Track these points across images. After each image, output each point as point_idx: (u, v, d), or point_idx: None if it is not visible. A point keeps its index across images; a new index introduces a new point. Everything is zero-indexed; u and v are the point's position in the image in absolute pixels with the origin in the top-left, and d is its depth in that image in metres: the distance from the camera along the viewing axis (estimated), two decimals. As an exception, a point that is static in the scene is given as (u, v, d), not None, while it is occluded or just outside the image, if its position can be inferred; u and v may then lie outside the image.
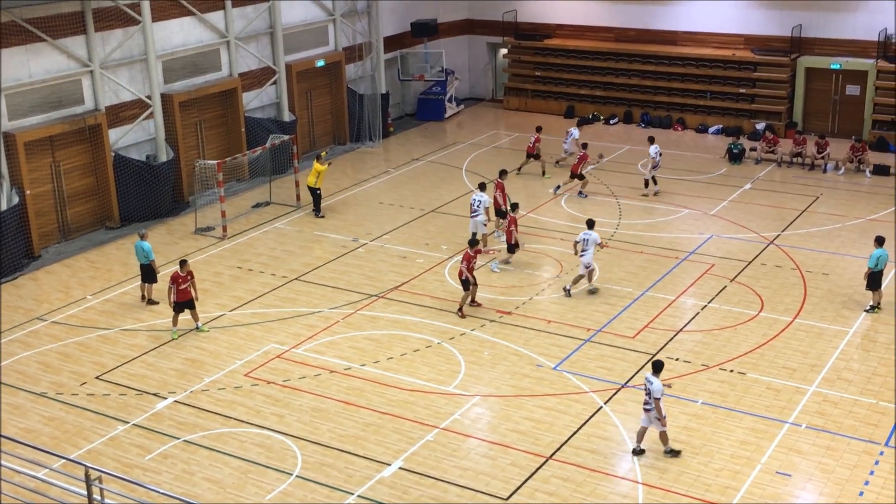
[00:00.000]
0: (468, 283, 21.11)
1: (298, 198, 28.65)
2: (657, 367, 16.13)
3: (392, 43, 37.38)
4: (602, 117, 38.01)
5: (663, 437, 15.99)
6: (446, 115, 38.74)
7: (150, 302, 22.27)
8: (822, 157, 31.36)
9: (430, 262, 24.24)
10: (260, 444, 16.63)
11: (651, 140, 29.20)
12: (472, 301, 21.55)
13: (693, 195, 28.95)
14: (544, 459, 16.03)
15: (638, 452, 16.06)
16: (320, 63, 33.79)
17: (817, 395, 17.83)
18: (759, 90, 35.74)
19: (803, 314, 20.97)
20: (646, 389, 15.94)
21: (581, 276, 22.17)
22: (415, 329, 20.75)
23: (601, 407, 17.59)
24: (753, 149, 32.72)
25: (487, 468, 15.87)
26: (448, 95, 38.93)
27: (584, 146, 29.38)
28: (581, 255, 22.14)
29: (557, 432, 16.81)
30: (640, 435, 16.16)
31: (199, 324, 20.88)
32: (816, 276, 22.99)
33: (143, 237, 22.37)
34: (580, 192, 28.76)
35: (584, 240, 22.11)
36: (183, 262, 20.76)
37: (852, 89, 34.60)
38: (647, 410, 15.94)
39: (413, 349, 19.88)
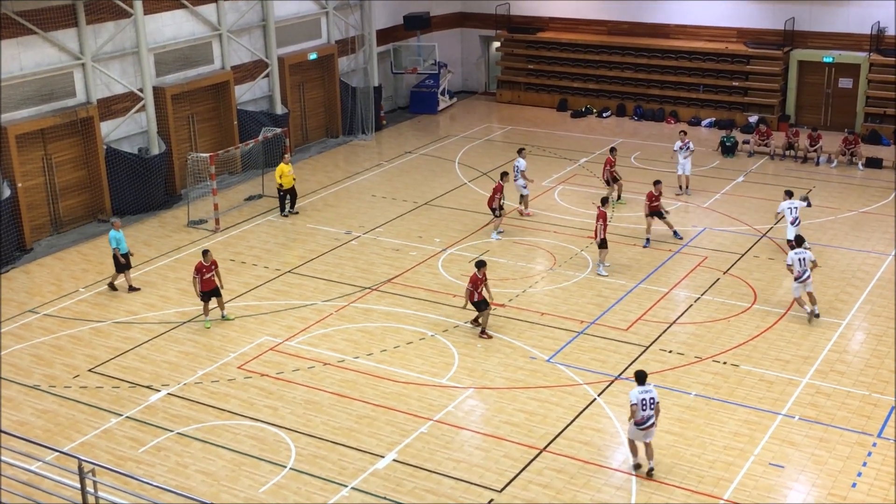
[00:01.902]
0: (484, 304, 19.99)
1: (291, 191, 28.59)
2: (641, 378, 15.36)
3: (385, 36, 37.32)
4: (595, 110, 38.01)
5: (651, 451, 15.36)
6: (439, 108, 38.68)
7: (132, 289, 22.58)
8: (815, 150, 31.42)
9: (424, 254, 24.22)
10: (253, 437, 16.61)
11: (789, 194, 24.36)
12: (476, 321, 20.37)
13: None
14: (538, 451, 16.05)
15: (637, 466, 15.49)
16: (313, 56, 33.71)
17: (810, 386, 17.87)
18: (751, 83, 35.77)
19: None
20: (647, 402, 15.11)
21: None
22: (408, 321, 20.73)
23: (595, 399, 17.61)
24: (746, 142, 32.75)
25: (481, 460, 15.88)
26: (441, 88, 38.88)
27: (503, 176, 26.01)
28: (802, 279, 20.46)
29: (551, 424, 16.82)
30: (636, 450, 15.52)
31: (225, 312, 20.89)
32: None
33: (114, 226, 22.37)
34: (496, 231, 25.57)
35: (800, 259, 20.37)
36: (206, 252, 20.75)
37: (845, 82, 34.64)
38: (649, 426, 15.17)
39: (406, 341, 19.87)
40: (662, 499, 14.79)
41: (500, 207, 24.92)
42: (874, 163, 30.73)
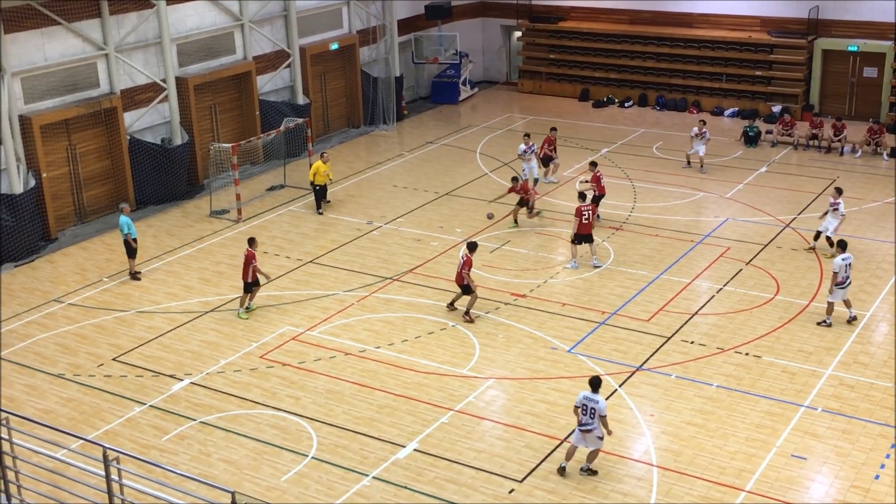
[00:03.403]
0: (469, 289, 20.20)
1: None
2: (596, 385, 14.97)
3: (406, 26, 37.28)
4: (616, 100, 37.85)
5: (593, 455, 15.13)
6: (460, 98, 38.63)
7: (134, 276, 22.55)
8: (839, 140, 31.16)
9: (445, 245, 24.24)
10: (275, 426, 16.71)
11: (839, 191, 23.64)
12: (452, 305, 20.53)
13: (708, 178, 28.82)
14: (559, 442, 16.05)
15: (561, 471, 15.19)
16: (334, 46, 33.74)
17: (833, 378, 17.77)
18: (775, 72, 35.50)
19: (819, 297, 20.88)
20: (587, 409, 14.79)
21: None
22: (429, 312, 20.76)
23: (616, 390, 17.59)
24: (769, 132, 32.53)
25: (502, 450, 15.91)
26: (462, 78, 38.82)
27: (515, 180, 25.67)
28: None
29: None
30: (571, 454, 15.27)
31: (251, 304, 20.97)
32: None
33: (122, 211, 22.51)
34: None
35: (847, 265, 19.65)
36: (252, 240, 20.89)
37: (870, 71, 34.31)
38: (586, 431, 14.89)
39: (427, 332, 19.90)
40: (684, 490, 14.77)
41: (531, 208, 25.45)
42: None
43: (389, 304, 21.19)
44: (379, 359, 18.88)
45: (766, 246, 23.75)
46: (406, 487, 14.99)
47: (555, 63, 39.48)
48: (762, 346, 19.00)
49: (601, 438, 15.01)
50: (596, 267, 22.50)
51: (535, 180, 27.41)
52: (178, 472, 12.98)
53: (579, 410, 14.97)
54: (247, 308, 20.88)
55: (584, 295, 21.38)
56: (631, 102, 37.69)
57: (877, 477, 14.91)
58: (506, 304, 21.02)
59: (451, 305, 20.58)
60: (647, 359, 18.58)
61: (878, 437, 15.90)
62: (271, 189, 28.81)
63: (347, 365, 18.68)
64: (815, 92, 35.31)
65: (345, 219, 26.20)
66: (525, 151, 27.58)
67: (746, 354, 18.69)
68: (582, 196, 23.08)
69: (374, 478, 15.25)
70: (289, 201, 27.79)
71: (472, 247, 20.60)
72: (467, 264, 20.11)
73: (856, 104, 34.73)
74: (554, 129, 29.47)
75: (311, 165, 26.85)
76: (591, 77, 38.68)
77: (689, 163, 29.69)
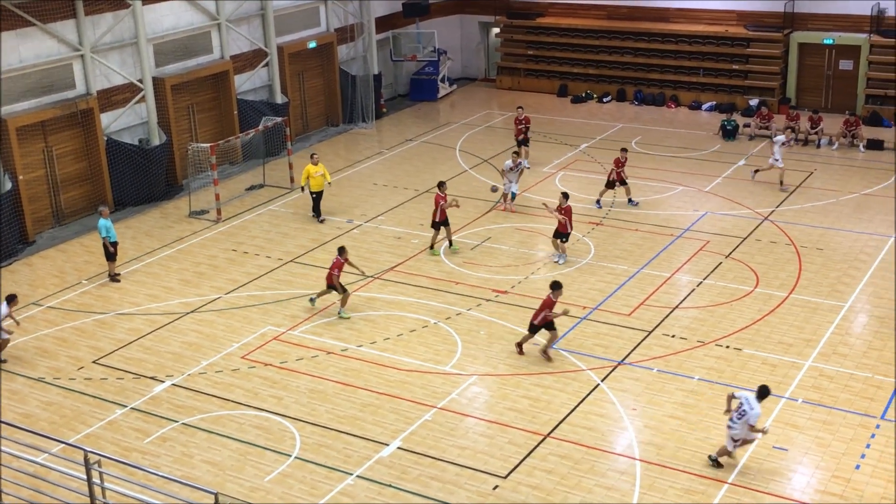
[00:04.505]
0: (341, 288, 20.20)
1: (292, 180, 28.59)
2: (762, 393, 14.87)
3: (384, 23, 37.23)
4: (595, 95, 37.96)
5: (724, 450, 15.13)
6: (439, 96, 38.63)
7: (114, 278, 22.48)
8: (816, 133, 31.37)
9: (425, 242, 24.22)
10: (258, 426, 16.66)
11: None
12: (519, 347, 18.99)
13: (687, 172, 28.95)
14: (542, 437, 16.09)
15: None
16: (312, 45, 33.65)
17: (813, 369, 17.89)
18: (752, 66, 35.69)
19: (798, 289, 21.02)
20: (740, 409, 14.80)
21: None
22: (411, 309, 20.76)
23: (598, 384, 17.64)
24: (747, 125, 32.71)
25: (485, 447, 15.92)
26: (440, 75, 38.82)
27: (441, 185, 24.18)
28: None
29: (555, 410, 16.86)
30: (724, 453, 15.21)
31: (342, 310, 20.62)
32: (811, 251, 23.03)
33: (101, 214, 22.37)
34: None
35: None
36: (342, 249, 20.56)
37: (846, 64, 34.56)
38: (730, 428, 14.91)
39: (409, 329, 19.90)
40: (667, 483, 14.83)
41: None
42: (875, 144, 30.68)
43: (371, 303, 21.16)
44: (361, 357, 18.86)
45: (745, 239, 23.87)
46: (390, 486, 14.99)
47: (533, 59, 39.54)
48: (742, 338, 19.10)
49: (735, 441, 14.88)
50: (556, 262, 22.70)
51: (514, 195, 26.00)
52: (161, 474, 12.93)
53: (734, 402, 14.91)
54: (312, 301, 20.85)
55: (565, 291, 21.30)
56: (609, 97, 37.79)
57: (857, 467, 15.02)
58: (487, 300, 21.04)
59: (519, 347, 18.86)
60: (629, 353, 18.65)
61: (858, 428, 16.02)
62: (251, 189, 28.71)
63: (330, 364, 18.65)
64: (792, 85, 35.53)
65: (325, 217, 26.11)
66: (512, 169, 25.95)
67: (727, 347, 18.79)
68: (565, 195, 22.95)
69: (358, 476, 15.23)
70: (268, 200, 27.70)
71: (339, 250, 20.48)
72: (336, 266, 20.12)
73: (832, 97, 34.96)
74: (624, 149, 27.01)
75: (290, 165, 26.77)
76: (570, 73, 38.75)
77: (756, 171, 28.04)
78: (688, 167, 29.40)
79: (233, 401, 17.48)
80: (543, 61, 39.33)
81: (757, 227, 24.63)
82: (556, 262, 22.76)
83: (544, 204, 23.84)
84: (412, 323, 20.16)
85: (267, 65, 31.99)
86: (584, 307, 20.55)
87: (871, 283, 21.29)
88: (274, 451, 15.96)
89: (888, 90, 33.50)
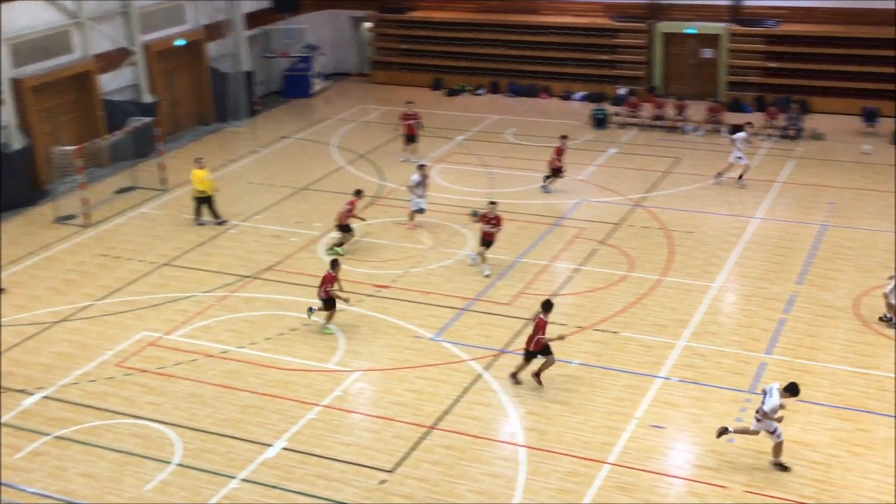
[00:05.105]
0: (332, 302, 19.32)
1: (164, 181, 27.88)
2: (791, 389, 14.76)
3: (254, 19, 36.61)
4: (469, 87, 38.23)
5: (776, 449, 14.93)
6: (313, 92, 38.27)
7: None
8: (682, 120, 32.35)
9: (304, 240, 23.99)
10: (136, 435, 16.20)
11: None
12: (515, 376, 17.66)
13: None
14: (427, 429, 16.13)
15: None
16: (180, 42, 32.85)
17: (687, 349, 18.45)
18: (619, 56, 36.55)
19: (671, 272, 21.66)
20: (763, 398, 14.86)
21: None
22: (291, 308, 20.52)
23: (481, 374, 17.79)
24: (617, 114, 33.49)
25: (371, 442, 15.88)
26: (314, 71, 38.46)
27: (357, 193, 23.68)
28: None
29: (439, 402, 16.93)
30: (742, 431, 15.21)
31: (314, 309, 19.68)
32: (681, 234, 23.75)
33: None
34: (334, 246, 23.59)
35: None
36: (335, 263, 19.53)
37: (707, 53, 35.71)
38: (758, 420, 14.89)
39: (290, 328, 19.67)
40: (551, 467, 15.07)
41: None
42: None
43: (250, 303, 20.83)
44: (242, 359, 18.54)
45: (618, 225, 24.44)
46: (276, 487, 14.79)
47: (406, 53, 39.56)
48: (619, 322, 19.56)
49: (773, 433, 14.76)
50: (486, 275, 21.82)
51: (422, 210, 24.51)
52: (33, 490, 12.46)
53: (763, 396, 14.90)
54: (310, 310, 19.70)
55: (446, 282, 21.54)
56: (483, 90, 38.13)
57: (731, 440, 15.56)
58: (368, 295, 20.96)
59: (514, 377, 17.59)
60: (510, 341, 18.86)
61: (729, 403, 16.60)
62: (121, 192, 27.86)
63: (209, 367, 18.28)
64: (658, 74, 36.52)
65: (200, 218, 25.53)
66: (418, 183, 24.34)
67: (605, 331, 19.21)
68: (492, 203, 22.08)
69: (242, 480, 14.98)
70: (140, 203, 26.94)
71: (332, 263, 19.57)
72: (327, 280, 19.19)
73: (696, 85, 36.08)
74: (564, 136, 27.24)
75: (162, 166, 26.04)
76: (444, 66, 38.92)
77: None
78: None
79: (108, 410, 16.94)
80: (417, 55, 39.40)
81: (630, 213, 25.24)
82: (485, 274, 21.74)
83: (474, 213, 22.54)
84: (293, 321, 19.93)
85: (133, 64, 31.08)
86: (465, 298, 20.69)
87: (738, 263, 22.09)
88: (154, 459, 15.54)
89: (748, 77, 34.80)
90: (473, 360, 18.27)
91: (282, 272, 22.25)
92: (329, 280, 19.23)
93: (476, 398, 17.04)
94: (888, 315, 19.11)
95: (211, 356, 18.65)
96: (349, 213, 23.18)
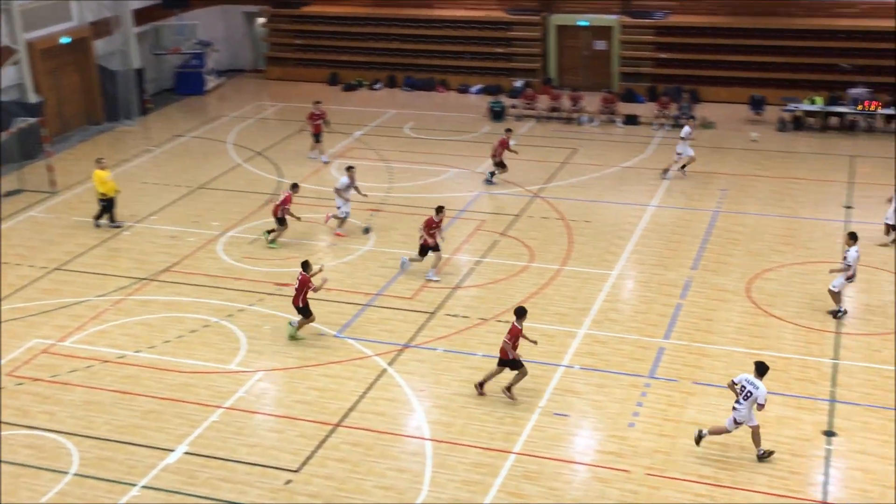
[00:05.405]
0: (308, 310, 18.72)
1: (53, 184, 27.02)
2: (761, 370, 14.79)
3: (143, 16, 35.74)
4: (366, 82, 38.08)
5: (755, 437, 14.93)
6: (207, 89, 37.57)
7: None
8: (577, 111, 32.83)
9: (202, 239, 23.56)
10: (30, 446, 15.67)
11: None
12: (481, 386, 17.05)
13: (459, 154, 29.58)
14: (333, 427, 16.03)
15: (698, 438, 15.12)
16: (65, 40, 31.86)
17: (588, 336, 18.75)
18: (514, 49, 36.88)
19: (570, 261, 21.97)
20: (744, 391, 14.65)
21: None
22: (190, 309, 20.14)
23: (385, 369, 17.75)
24: (514, 106, 33.79)
25: (276, 442, 15.70)
26: (207, 68, 37.76)
27: (294, 187, 23.56)
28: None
29: (344, 399, 16.84)
30: (720, 432, 15.12)
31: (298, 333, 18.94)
32: (580, 224, 24.11)
33: None
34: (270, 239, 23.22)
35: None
36: (305, 264, 18.76)
37: (600, 45, 36.31)
38: (736, 410, 14.78)
39: (190, 330, 19.30)
40: (457, 459, 15.14)
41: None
42: (631, 120, 32.47)
43: (147, 306, 20.36)
44: (140, 363, 18.11)
45: (518, 216, 24.67)
46: (178, 492, 14.50)
47: (302, 48, 39.18)
48: (521, 312, 19.74)
49: (738, 422, 14.73)
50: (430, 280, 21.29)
51: (346, 216, 23.62)
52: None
53: (736, 387, 14.74)
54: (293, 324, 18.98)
55: (347, 278, 21.42)
56: (380, 84, 38.02)
57: (631, 425, 15.88)
58: (269, 294, 20.71)
59: (480, 387, 16.97)
60: (414, 335, 18.87)
61: (629, 388, 16.93)
62: (8, 195, 26.88)
63: (106, 373, 17.79)
64: (553, 66, 36.97)
65: (98, 221, 24.81)
66: (347, 186, 23.56)
67: (507, 322, 19.31)
68: (439, 209, 21.34)
69: (143, 487, 14.64)
70: (28, 206, 26.05)
71: (303, 266, 18.82)
72: (302, 285, 18.54)
73: (590, 76, 36.64)
74: (509, 129, 27.58)
75: (49, 168, 25.22)
76: (340, 61, 38.68)
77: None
78: (459, 149, 30.05)
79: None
80: (312, 50, 39.06)
81: (529, 204, 25.51)
82: (432, 278, 21.14)
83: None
84: (192, 323, 19.55)
85: (16, 62, 30.00)
86: (368, 294, 20.61)
87: (635, 251, 22.53)
88: (49, 470, 15.06)
89: (640, 68, 35.52)
90: (378, 355, 18.22)
91: (179, 273, 21.81)
92: (305, 282, 18.50)
93: (381, 394, 17.01)
94: (840, 308, 19.10)
95: (107, 362, 18.16)
96: (284, 206, 22.94)
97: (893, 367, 17.40)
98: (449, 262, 22.06)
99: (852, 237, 19.21)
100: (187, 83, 37.42)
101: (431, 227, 21.02)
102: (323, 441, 15.67)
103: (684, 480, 14.54)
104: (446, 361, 17.97)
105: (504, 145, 26.74)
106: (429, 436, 15.78)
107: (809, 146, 30.00)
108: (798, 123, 31.54)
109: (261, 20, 39.95)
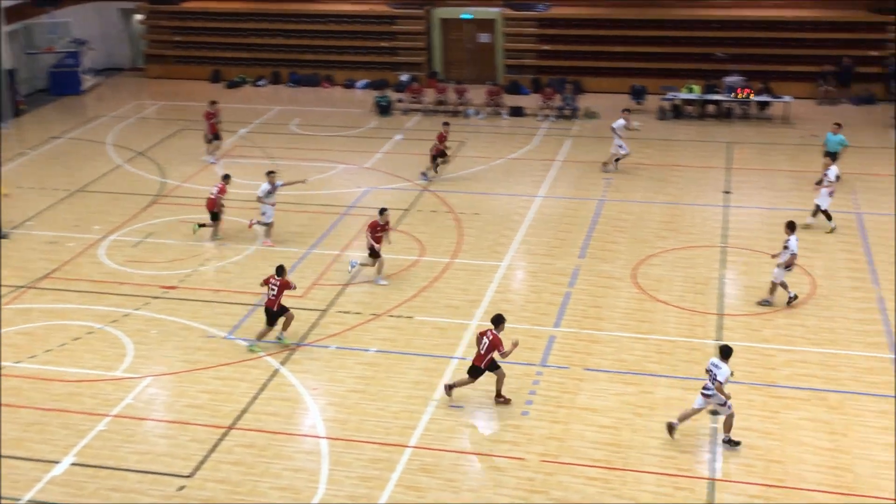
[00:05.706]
0: (280, 313, 18.19)
1: (-79, 190, 25.86)
2: (725, 353, 14.93)
3: (13, 14, 34.45)
4: (249, 79, 37.53)
5: (728, 424, 15.04)
6: (83, 88, 36.44)
7: None
8: (463, 104, 33.03)
9: (83, 244, 22.86)
10: None
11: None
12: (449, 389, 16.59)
13: (346, 150, 29.44)
14: (225, 430, 15.77)
15: (670, 428, 15.22)
16: (-71, 39, 30.50)
17: (480, 328, 18.87)
18: (399, 43, 36.88)
19: (461, 254, 22.10)
20: (711, 374, 14.80)
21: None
22: (73, 316, 19.52)
23: (278, 369, 17.56)
24: (400, 100, 33.79)
25: (167, 448, 15.36)
26: (83, 67, 36.62)
27: (225, 178, 23.48)
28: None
29: (236, 401, 16.59)
30: (687, 416, 15.18)
31: (284, 335, 18.35)
32: (469, 216, 24.27)
33: None
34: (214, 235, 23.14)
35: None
36: (281, 270, 18.12)
37: (484, 37, 36.60)
38: (707, 396, 14.90)
39: (73, 337, 18.71)
40: (353, 456, 15.08)
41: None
42: (517, 111, 32.84)
43: (27, 315, 19.65)
44: (21, 374, 17.47)
45: (407, 210, 24.70)
46: (66, 506, 14.08)
47: (181, 46, 38.37)
48: (413, 306, 19.78)
49: (724, 405, 14.80)
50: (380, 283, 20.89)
51: (271, 223, 22.79)
52: None
53: (708, 375, 14.87)
54: (254, 345, 18.27)
55: (236, 279, 21.10)
56: (264, 81, 37.53)
57: (525, 413, 16.08)
58: (155, 297, 20.24)
59: (448, 389, 16.58)
60: (306, 334, 18.71)
61: (522, 377, 17.13)
62: None
63: (-16, 386, 17.13)
64: (438, 59, 37.11)
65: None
66: (270, 191, 22.57)
67: (399, 317, 19.37)
68: (382, 211, 20.73)
69: (28, 501, 14.14)
70: None
71: (277, 270, 18.20)
72: (282, 287, 18.01)
73: (475, 69, 36.90)
74: (447, 123, 27.46)
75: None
76: (222, 57, 38.05)
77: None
78: (347, 145, 29.91)
79: None
80: (193, 47, 38.30)
81: (418, 198, 25.55)
82: (380, 283, 20.71)
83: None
84: (75, 331, 18.97)
85: None
86: (257, 294, 20.31)
87: (524, 242, 22.81)
88: (-74, 490, 14.44)
89: (524, 60, 35.95)
90: (269, 355, 17.99)
91: (60, 279, 21.13)
92: (286, 287, 18.11)
93: (274, 394, 16.81)
94: (790, 294, 19.36)
95: (-14, 374, 17.49)
96: (218, 197, 22.55)
97: (772, 346, 18.06)
98: (339, 259, 21.93)
99: (790, 227, 19.33)
100: (63, 83, 36.22)
101: (377, 230, 20.61)
102: (216, 445, 15.40)
103: (578, 465, 14.80)
104: (340, 359, 17.88)
105: (441, 140, 26.76)
106: (324, 434, 15.67)
107: (688, 134, 30.88)
108: (677, 112, 32.43)
109: (138, 17, 38.94)
